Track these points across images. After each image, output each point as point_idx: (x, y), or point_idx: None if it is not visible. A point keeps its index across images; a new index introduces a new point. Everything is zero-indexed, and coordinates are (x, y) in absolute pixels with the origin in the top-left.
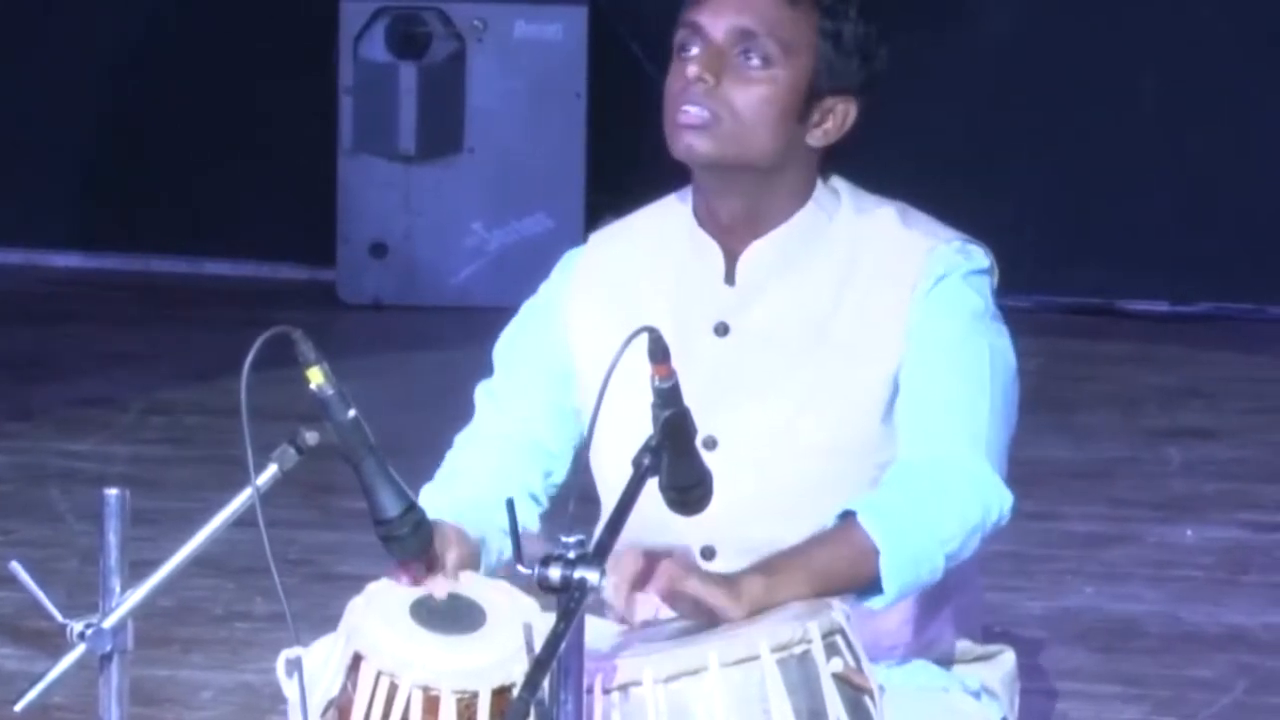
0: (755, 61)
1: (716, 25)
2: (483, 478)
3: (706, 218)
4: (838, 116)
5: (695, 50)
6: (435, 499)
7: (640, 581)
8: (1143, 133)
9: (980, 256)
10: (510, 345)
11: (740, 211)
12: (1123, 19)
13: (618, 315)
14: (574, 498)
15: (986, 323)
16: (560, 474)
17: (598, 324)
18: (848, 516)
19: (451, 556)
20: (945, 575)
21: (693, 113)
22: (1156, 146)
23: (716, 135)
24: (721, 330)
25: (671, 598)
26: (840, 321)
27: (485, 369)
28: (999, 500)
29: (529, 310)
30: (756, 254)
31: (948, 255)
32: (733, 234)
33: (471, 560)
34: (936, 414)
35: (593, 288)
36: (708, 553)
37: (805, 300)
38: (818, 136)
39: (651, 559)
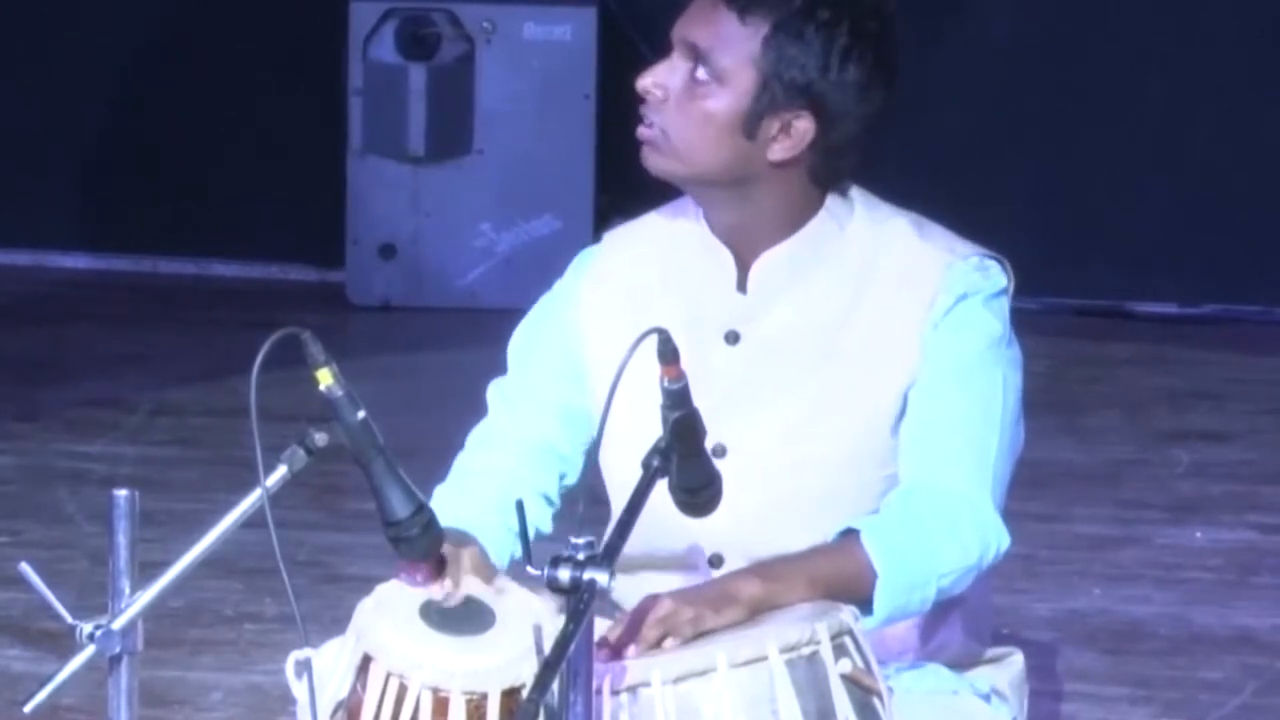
0: (703, 77)
1: (679, 37)
2: (495, 479)
3: (716, 225)
4: (795, 133)
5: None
6: (448, 500)
7: (627, 644)
8: (1151, 134)
9: (998, 274)
10: (523, 344)
11: (735, 223)
12: (1129, 18)
13: (629, 318)
14: (584, 499)
15: (1002, 350)
16: (574, 475)
17: (609, 326)
18: (850, 534)
19: (464, 556)
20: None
21: (645, 129)
22: (1165, 148)
23: (664, 152)
24: (732, 338)
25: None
26: (852, 332)
27: (494, 370)
28: (997, 541)
29: (542, 308)
30: (768, 262)
31: (966, 273)
32: (743, 242)
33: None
34: (945, 441)
35: (605, 289)
36: (715, 560)
37: (817, 310)
38: (777, 151)
39: (636, 621)
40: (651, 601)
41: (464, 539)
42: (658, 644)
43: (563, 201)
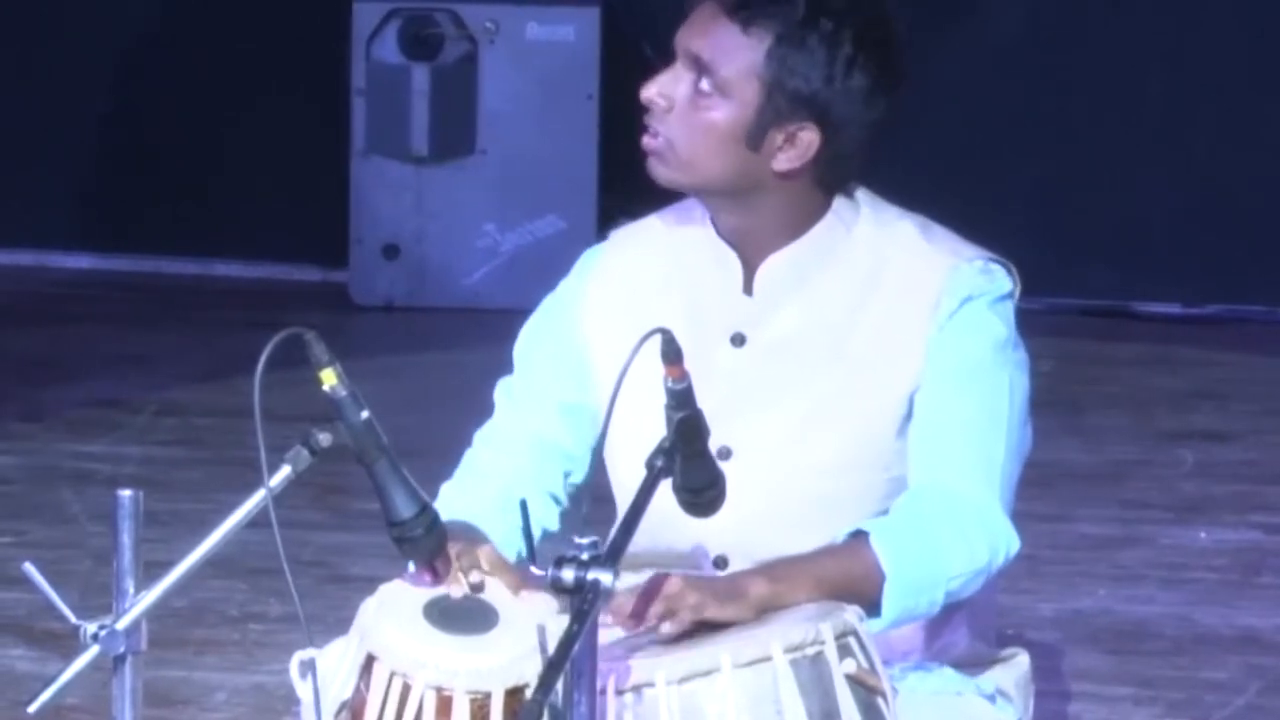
0: (707, 88)
1: (683, 47)
2: (499, 478)
3: (722, 229)
4: (800, 144)
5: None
6: (454, 499)
7: (638, 618)
8: (1156, 133)
9: (1003, 278)
10: (528, 344)
11: (741, 228)
12: (1134, 17)
13: (634, 318)
14: (588, 498)
15: (1008, 353)
16: (580, 474)
17: (614, 325)
18: (858, 536)
19: (481, 554)
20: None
21: (650, 139)
22: (1170, 147)
23: (669, 163)
24: (738, 340)
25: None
26: (858, 335)
27: (498, 370)
28: (1006, 544)
29: (547, 308)
30: (774, 265)
31: (971, 276)
32: (750, 245)
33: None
34: (952, 445)
35: (610, 289)
36: (720, 562)
37: (823, 312)
38: (782, 162)
39: (647, 594)
40: (661, 579)
41: (476, 534)
42: (658, 622)
43: (566, 202)
